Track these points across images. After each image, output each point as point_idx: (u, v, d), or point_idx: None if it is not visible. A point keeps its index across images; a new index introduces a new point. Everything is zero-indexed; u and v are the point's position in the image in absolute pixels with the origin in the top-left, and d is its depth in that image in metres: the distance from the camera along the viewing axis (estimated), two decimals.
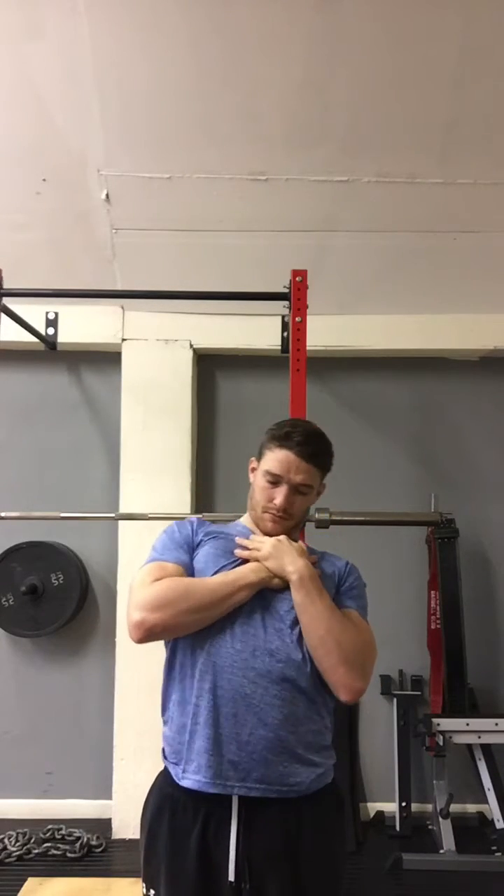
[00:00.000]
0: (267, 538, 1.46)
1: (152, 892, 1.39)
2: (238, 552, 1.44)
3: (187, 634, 1.38)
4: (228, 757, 1.32)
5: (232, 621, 1.37)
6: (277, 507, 1.45)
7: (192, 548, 1.48)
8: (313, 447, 1.47)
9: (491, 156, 2.38)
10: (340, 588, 1.50)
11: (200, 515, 1.73)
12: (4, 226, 2.64)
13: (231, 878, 1.30)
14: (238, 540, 1.48)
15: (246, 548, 1.45)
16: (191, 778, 1.34)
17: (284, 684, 1.34)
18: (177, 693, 1.40)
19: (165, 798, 1.38)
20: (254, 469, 1.55)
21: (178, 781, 1.36)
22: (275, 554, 1.41)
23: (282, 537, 1.45)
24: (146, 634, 1.33)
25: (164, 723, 1.45)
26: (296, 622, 1.38)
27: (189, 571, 1.43)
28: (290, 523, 1.49)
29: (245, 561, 1.44)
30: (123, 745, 2.87)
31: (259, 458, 1.53)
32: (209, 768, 1.32)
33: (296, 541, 1.50)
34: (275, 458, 1.46)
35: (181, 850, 1.33)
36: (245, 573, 1.39)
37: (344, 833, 1.46)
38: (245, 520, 1.58)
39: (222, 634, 1.36)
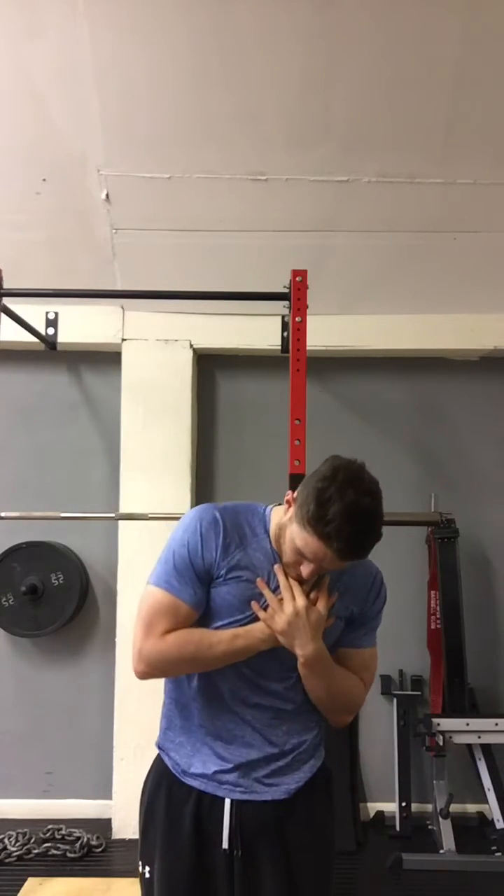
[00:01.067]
0: (288, 605, 1.30)
1: (147, 868, 1.42)
2: (255, 607, 1.33)
3: None
4: (235, 771, 1.36)
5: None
6: (302, 577, 1.31)
7: (210, 578, 1.34)
8: (356, 551, 1.23)
9: (491, 156, 2.38)
10: (353, 623, 1.40)
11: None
12: (4, 226, 2.64)
13: (225, 845, 1.34)
14: (259, 584, 1.33)
15: (264, 594, 1.33)
16: (192, 782, 1.38)
17: (283, 711, 1.39)
18: (181, 696, 1.42)
19: (163, 774, 1.42)
20: (289, 503, 1.32)
21: (178, 776, 1.39)
22: (289, 632, 1.29)
23: (301, 611, 1.29)
24: (146, 679, 1.37)
25: (166, 715, 1.46)
26: (297, 667, 1.36)
27: (202, 606, 1.35)
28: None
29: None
30: (123, 745, 2.87)
31: (296, 509, 1.26)
32: (215, 781, 1.36)
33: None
34: (309, 544, 1.22)
35: (177, 819, 1.37)
36: (254, 643, 1.32)
37: (333, 804, 1.49)
38: (273, 532, 1.37)
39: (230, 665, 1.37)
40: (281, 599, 1.31)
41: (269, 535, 1.38)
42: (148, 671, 1.34)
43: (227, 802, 1.35)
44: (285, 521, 1.32)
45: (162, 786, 1.41)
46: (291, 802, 1.38)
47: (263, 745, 1.37)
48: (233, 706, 1.37)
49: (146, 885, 1.42)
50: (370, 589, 1.42)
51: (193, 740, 1.39)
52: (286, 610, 1.29)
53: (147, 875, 1.41)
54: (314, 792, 1.41)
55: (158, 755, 1.46)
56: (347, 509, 1.18)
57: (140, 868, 1.43)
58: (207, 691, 1.37)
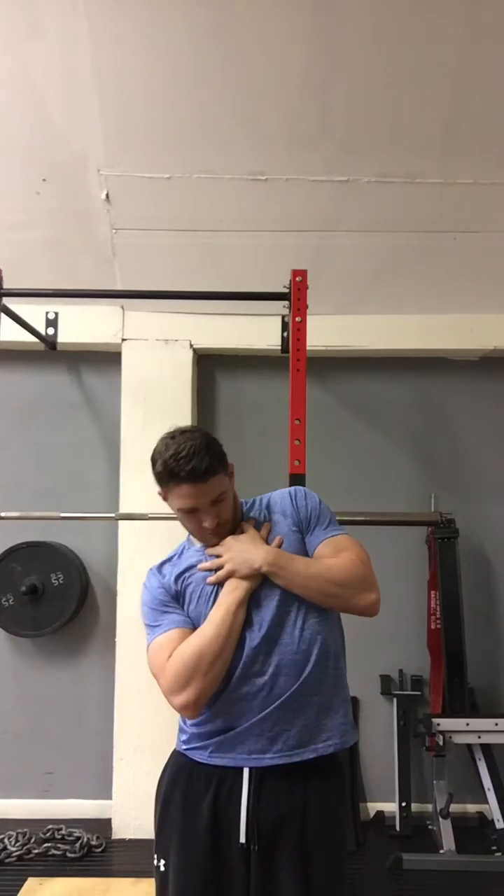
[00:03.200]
0: (219, 549, 1.45)
1: (163, 861, 1.44)
2: (209, 580, 1.44)
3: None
4: (266, 746, 1.39)
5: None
6: (210, 528, 1.43)
7: (177, 598, 1.47)
8: (202, 466, 1.37)
9: (491, 156, 2.39)
10: (306, 528, 1.50)
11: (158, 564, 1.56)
12: (4, 226, 2.64)
13: (242, 839, 1.36)
14: (200, 567, 1.47)
15: (211, 569, 1.45)
16: (217, 761, 1.41)
17: (301, 674, 1.40)
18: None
19: (181, 768, 1.46)
20: (164, 498, 1.47)
21: (204, 761, 1.42)
22: (236, 561, 1.41)
23: (230, 542, 1.44)
24: (195, 710, 1.38)
25: (183, 730, 1.50)
26: (275, 624, 1.40)
27: (189, 623, 1.44)
28: (229, 527, 1.48)
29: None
30: (123, 745, 2.87)
31: (162, 493, 1.46)
32: (243, 755, 1.40)
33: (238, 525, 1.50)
34: (177, 496, 1.41)
35: (194, 813, 1.40)
36: (231, 598, 1.39)
37: (346, 797, 1.52)
38: (193, 539, 1.54)
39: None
40: (220, 556, 1.44)
41: (189, 541, 1.55)
42: (181, 700, 1.36)
43: (246, 772, 1.38)
44: (176, 513, 1.47)
45: (179, 779, 1.44)
46: (305, 794, 1.39)
47: (297, 721, 1.39)
48: (243, 699, 1.39)
49: (161, 878, 1.44)
50: (292, 502, 1.54)
51: (217, 734, 1.42)
52: (224, 553, 1.43)
53: (162, 868, 1.43)
54: (330, 779, 1.44)
55: (175, 751, 1.50)
56: (171, 450, 1.39)
57: (155, 861, 1.46)
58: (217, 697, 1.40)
